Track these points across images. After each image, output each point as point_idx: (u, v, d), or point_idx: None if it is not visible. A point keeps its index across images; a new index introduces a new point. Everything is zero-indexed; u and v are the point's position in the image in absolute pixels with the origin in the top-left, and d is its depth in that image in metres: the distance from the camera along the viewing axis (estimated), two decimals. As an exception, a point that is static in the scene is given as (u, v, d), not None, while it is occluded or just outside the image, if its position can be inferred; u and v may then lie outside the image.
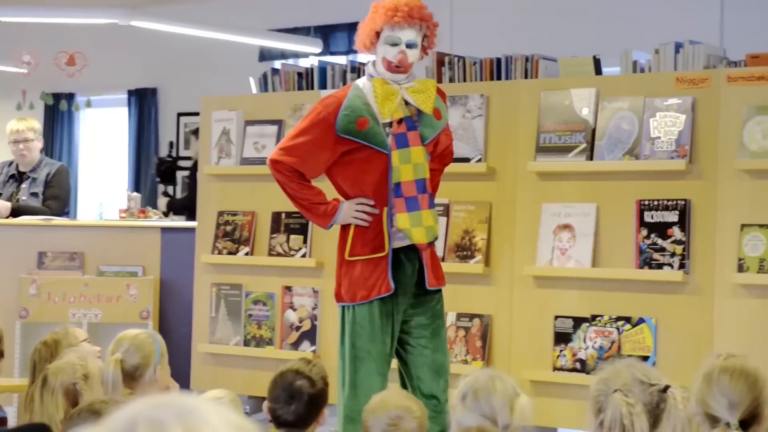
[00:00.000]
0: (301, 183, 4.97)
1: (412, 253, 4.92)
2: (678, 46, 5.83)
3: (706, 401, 2.96)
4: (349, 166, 4.93)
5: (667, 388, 2.88)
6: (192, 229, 7.16)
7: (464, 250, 6.04)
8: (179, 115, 11.56)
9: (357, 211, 4.90)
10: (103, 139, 12.55)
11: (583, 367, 5.66)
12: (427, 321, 4.97)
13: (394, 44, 4.86)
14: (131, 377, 4.08)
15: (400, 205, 4.87)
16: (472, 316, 6.00)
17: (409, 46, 4.87)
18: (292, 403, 3.55)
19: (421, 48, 4.95)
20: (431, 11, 4.98)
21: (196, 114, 7.32)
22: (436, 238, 4.97)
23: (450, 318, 6.08)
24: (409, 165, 4.86)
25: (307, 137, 4.91)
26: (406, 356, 4.98)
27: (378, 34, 4.89)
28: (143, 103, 11.81)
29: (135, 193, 8.68)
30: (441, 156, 5.14)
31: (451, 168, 6.09)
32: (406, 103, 4.91)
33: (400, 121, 4.88)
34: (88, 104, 10.57)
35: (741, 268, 5.36)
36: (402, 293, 4.91)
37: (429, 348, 4.96)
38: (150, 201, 11.20)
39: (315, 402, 3.57)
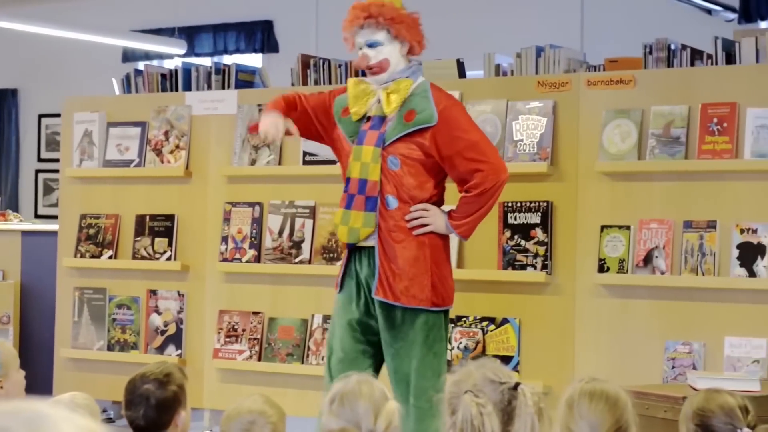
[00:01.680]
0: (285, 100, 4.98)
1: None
2: (539, 50, 5.92)
3: (568, 426, 2.99)
4: (337, 149, 4.97)
5: (517, 385, 2.92)
6: (54, 233, 7.05)
7: (331, 252, 6.05)
8: (41, 116, 11.36)
9: (268, 126, 4.88)
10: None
11: (448, 367, 5.71)
12: (389, 338, 4.78)
13: (360, 48, 4.85)
14: None
15: (342, 200, 4.87)
16: (338, 318, 6.01)
17: (371, 45, 4.82)
18: (141, 407, 3.52)
19: (402, 43, 4.84)
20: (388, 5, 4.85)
21: (58, 115, 7.20)
22: (357, 242, 4.79)
23: (317, 320, 6.08)
24: (357, 162, 4.81)
25: (312, 96, 5.04)
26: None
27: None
28: (3, 104, 11.57)
29: (-5, 196, 8.51)
30: (464, 181, 4.78)
31: (317, 170, 6.12)
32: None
33: (368, 119, 4.85)
34: (-54, 105, 10.32)
35: (601, 269, 5.46)
36: (360, 296, 4.83)
37: (391, 367, 4.79)
38: (11, 204, 10.99)
39: (165, 405, 3.53)
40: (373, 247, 4.79)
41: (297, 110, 5.00)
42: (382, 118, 4.82)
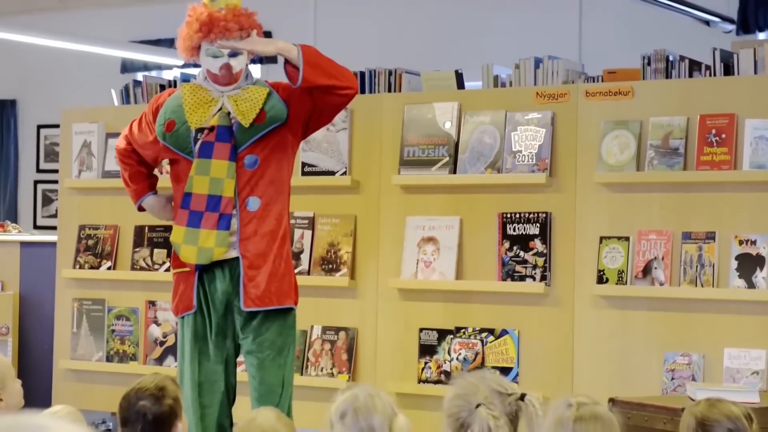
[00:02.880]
0: (131, 162, 4.94)
1: (234, 267, 4.66)
2: (538, 62, 5.93)
3: None
4: (172, 171, 4.82)
5: (523, 396, 2.91)
6: (53, 244, 7.05)
7: (330, 263, 6.05)
8: (39, 127, 11.35)
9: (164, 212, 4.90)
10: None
11: (448, 378, 5.71)
12: (253, 347, 4.69)
13: (216, 56, 4.68)
14: None
15: (182, 216, 4.66)
16: (337, 330, 6.02)
17: (233, 55, 4.69)
18: (138, 424, 3.49)
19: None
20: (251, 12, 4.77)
21: (57, 126, 7.20)
22: (210, 262, 4.63)
23: (316, 331, 6.08)
24: (205, 177, 4.62)
25: (137, 131, 4.89)
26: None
27: (198, 47, 4.73)
28: (2, 114, 11.56)
29: (-7, 207, 8.50)
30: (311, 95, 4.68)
31: (316, 181, 6.12)
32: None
33: (212, 129, 4.65)
34: (-56, 116, 10.31)
35: (600, 280, 5.46)
36: (215, 310, 4.69)
37: (255, 378, 4.71)
38: (10, 215, 10.98)
39: (161, 420, 3.51)
40: (232, 259, 4.63)
41: (142, 164, 4.93)
42: (229, 129, 4.65)
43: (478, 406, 2.84)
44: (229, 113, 4.67)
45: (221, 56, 4.68)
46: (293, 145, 4.78)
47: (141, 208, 5.04)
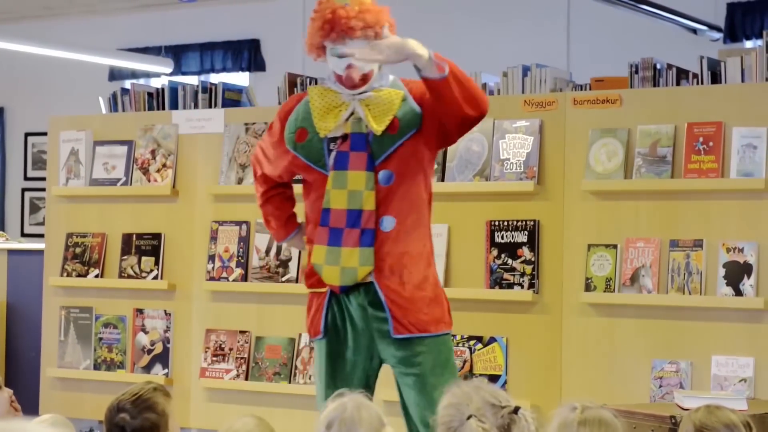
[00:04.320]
0: (268, 194, 4.53)
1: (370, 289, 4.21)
2: (526, 70, 5.94)
3: None
4: (304, 184, 4.38)
5: (517, 409, 2.90)
6: (40, 252, 7.03)
7: (317, 271, 6.04)
8: (27, 135, 11.33)
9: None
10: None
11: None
12: (407, 371, 4.24)
13: (341, 56, 4.19)
14: None
15: (322, 235, 4.23)
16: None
17: None
18: None
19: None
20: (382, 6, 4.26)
21: (45, 134, 7.19)
22: (354, 283, 4.19)
23: (304, 339, 6.07)
24: (342, 191, 4.19)
25: (267, 148, 4.48)
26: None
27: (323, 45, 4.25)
28: (-11, 122, 11.54)
29: (-20, 215, 8.49)
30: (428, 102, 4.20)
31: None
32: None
33: (345, 138, 4.20)
34: (-68, 123, 10.29)
35: (588, 288, 5.47)
36: (354, 331, 4.26)
37: (410, 397, 4.27)
38: (-4, 222, 10.96)
39: None
40: (368, 283, 4.21)
41: (285, 188, 4.56)
42: (364, 136, 4.21)
43: (469, 417, 2.83)
44: (361, 119, 4.22)
45: (345, 56, 4.19)
46: (429, 159, 4.30)
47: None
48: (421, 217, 4.28)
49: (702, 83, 5.57)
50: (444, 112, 4.14)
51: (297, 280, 6.09)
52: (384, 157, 4.20)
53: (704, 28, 8.23)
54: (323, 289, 4.27)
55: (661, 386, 5.28)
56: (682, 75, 5.67)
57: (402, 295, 4.19)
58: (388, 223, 4.19)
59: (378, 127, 4.17)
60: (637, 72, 5.70)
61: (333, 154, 4.22)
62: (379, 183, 4.20)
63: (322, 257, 4.23)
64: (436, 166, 5.77)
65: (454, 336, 5.72)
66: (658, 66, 5.68)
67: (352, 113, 4.22)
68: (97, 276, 6.63)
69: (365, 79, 4.21)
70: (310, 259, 4.29)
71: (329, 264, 4.20)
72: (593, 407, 2.95)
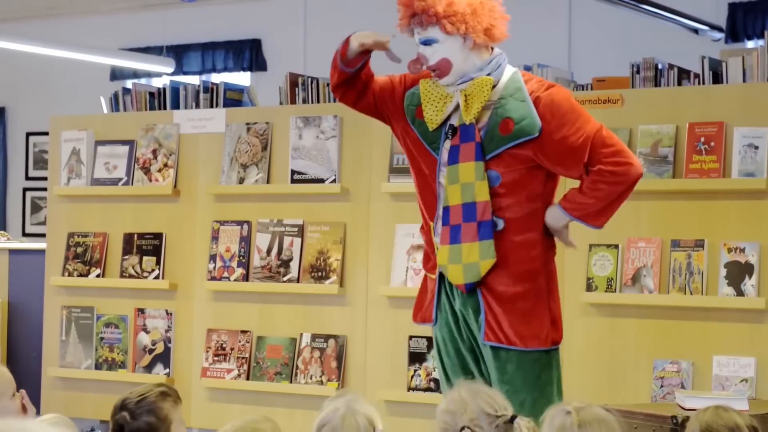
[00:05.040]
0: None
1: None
2: (527, 69, 5.93)
3: None
4: (408, 149, 4.20)
5: (513, 418, 2.89)
6: (41, 251, 7.04)
7: (319, 271, 6.05)
8: (28, 134, 11.34)
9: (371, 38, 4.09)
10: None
11: (437, 386, 5.71)
12: (496, 380, 4.03)
13: (420, 44, 4.05)
14: None
15: (444, 235, 4.05)
16: (327, 337, 6.01)
17: (427, 43, 4.03)
18: None
19: (465, 36, 4.01)
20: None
21: (46, 134, 7.19)
22: (479, 281, 4.02)
23: (305, 339, 6.08)
24: (456, 186, 4.02)
25: (382, 79, 4.26)
26: None
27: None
28: (-9, 122, 11.55)
29: (-18, 215, 8.49)
30: (567, 166, 4.04)
31: (305, 189, 6.12)
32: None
33: (455, 131, 4.04)
34: (-67, 123, 10.29)
35: (589, 287, 5.47)
36: (459, 331, 4.12)
37: None
38: (-2, 222, 10.96)
39: None
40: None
41: (363, 81, 4.24)
42: (473, 126, 4.01)
43: (462, 429, 2.82)
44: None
45: (418, 46, 4.04)
46: (544, 180, 4.08)
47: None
48: (536, 220, 4.09)
49: (703, 83, 5.57)
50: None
51: (298, 280, 6.10)
52: (493, 155, 4.01)
53: (706, 28, 8.23)
54: (433, 275, 4.15)
55: (662, 386, 5.28)
56: (683, 75, 5.67)
57: (501, 302, 4.02)
58: (498, 223, 4.02)
59: (466, 117, 4.00)
60: (638, 72, 5.69)
61: (447, 147, 4.05)
62: (490, 184, 4.02)
63: (446, 258, 4.05)
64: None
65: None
66: (660, 66, 5.68)
67: (457, 105, 4.06)
68: (98, 276, 6.64)
69: (443, 71, 4.02)
70: (438, 259, 4.10)
71: (453, 263, 4.03)
72: (585, 406, 2.94)
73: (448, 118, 4.09)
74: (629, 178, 4.01)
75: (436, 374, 5.72)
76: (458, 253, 4.01)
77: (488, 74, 4.04)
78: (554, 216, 4.07)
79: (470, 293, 4.05)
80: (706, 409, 3.41)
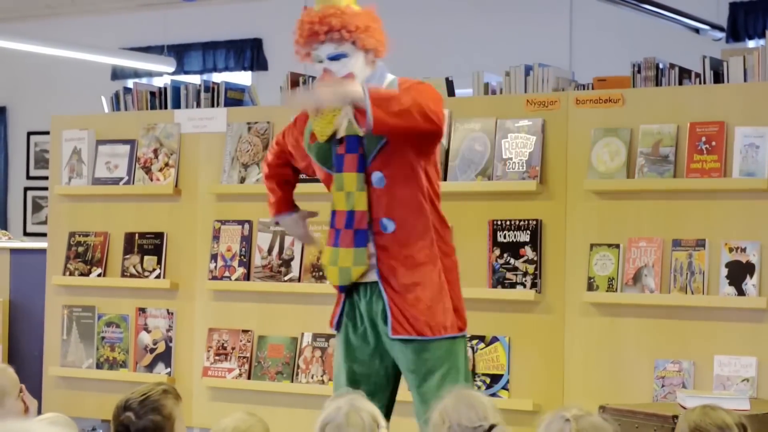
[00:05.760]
0: (278, 170, 4.67)
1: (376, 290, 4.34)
2: (528, 69, 5.94)
3: None
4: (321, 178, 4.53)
5: (492, 427, 2.91)
6: (43, 251, 7.04)
7: (320, 270, 6.04)
8: (29, 134, 11.35)
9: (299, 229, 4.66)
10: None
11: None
12: (410, 375, 4.34)
13: (319, 61, 4.36)
14: None
15: (330, 236, 4.38)
16: (328, 337, 6.01)
17: (337, 58, 4.32)
18: None
19: (366, 51, 4.33)
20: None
21: (47, 133, 7.19)
22: (351, 283, 4.33)
23: (306, 338, 6.08)
24: (341, 193, 4.33)
25: (288, 136, 4.64)
26: None
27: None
28: (-8, 121, 11.55)
29: (-17, 214, 8.49)
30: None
31: (309, 188, 6.10)
32: None
33: (341, 141, 4.32)
34: (-66, 122, 10.29)
35: (591, 287, 5.47)
36: (364, 335, 4.39)
37: (416, 402, 4.35)
38: (-1, 221, 10.97)
39: None
40: (375, 282, 4.32)
41: (291, 172, 4.68)
42: (358, 138, 4.31)
43: None
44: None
45: (322, 61, 4.34)
46: (419, 162, 4.34)
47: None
48: (424, 220, 4.36)
49: (704, 83, 5.57)
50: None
51: (300, 279, 6.10)
52: (373, 156, 4.30)
53: (707, 27, 8.24)
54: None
55: (663, 386, 5.28)
56: (684, 74, 5.67)
57: (402, 298, 4.28)
58: (389, 223, 4.30)
59: (360, 129, 4.24)
60: (639, 71, 5.69)
61: (335, 157, 4.36)
62: (373, 185, 4.31)
63: (327, 258, 4.40)
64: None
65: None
66: (661, 65, 5.68)
67: (346, 117, 4.27)
68: (99, 275, 6.64)
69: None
70: (322, 257, 4.53)
71: (332, 264, 4.36)
72: (584, 415, 2.94)
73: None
74: (426, 127, 4.20)
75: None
76: (336, 256, 4.33)
77: (374, 83, 4.28)
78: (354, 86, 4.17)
79: (373, 293, 4.32)
80: (693, 408, 3.41)
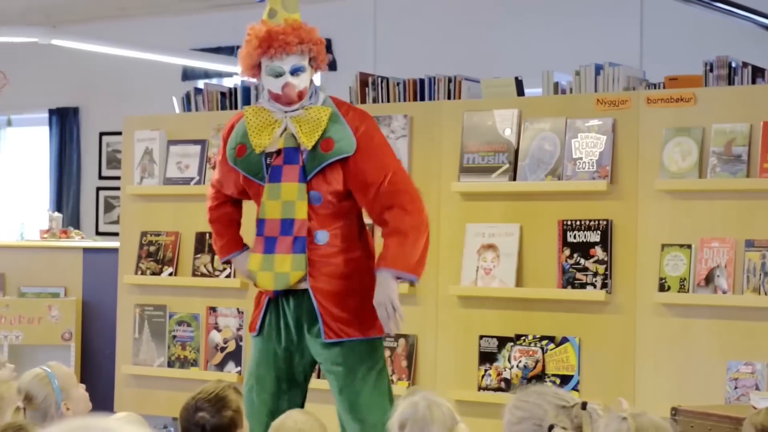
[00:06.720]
0: (220, 211, 4.85)
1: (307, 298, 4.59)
2: (598, 68, 5.90)
3: None
4: (254, 199, 4.71)
5: (585, 404, 2.90)
6: (115, 250, 7.11)
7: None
8: (101, 134, 11.46)
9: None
10: (24, 159, 12.40)
11: (508, 386, 5.70)
12: (336, 376, 4.62)
13: (277, 75, 4.54)
14: (42, 417, 4.00)
15: (257, 244, 4.58)
16: (397, 336, 6.02)
17: (295, 72, 4.55)
18: None
19: (314, 67, 4.63)
20: (315, 28, 4.68)
21: (119, 133, 7.27)
22: (287, 288, 4.55)
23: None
24: (276, 201, 4.53)
25: (218, 164, 4.84)
26: None
27: (259, 65, 4.59)
28: (65, 122, 11.69)
29: (56, 213, 8.61)
30: (365, 194, 4.53)
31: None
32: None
33: (279, 153, 4.54)
34: (9, 123, 10.45)
35: (662, 288, 5.43)
36: (288, 338, 4.63)
37: (339, 400, 4.64)
38: (72, 221, 11.10)
39: (220, 431, 3.52)
40: (304, 291, 4.55)
41: (232, 209, 4.84)
42: (296, 150, 4.54)
43: (551, 428, 2.83)
44: (293, 135, 4.55)
45: (282, 74, 4.53)
46: (351, 196, 4.62)
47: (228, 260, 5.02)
48: (355, 230, 4.62)
49: (778, 81, 5.51)
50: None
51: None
52: (315, 172, 4.51)
53: (780, 25, 8.13)
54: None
55: (736, 387, 5.23)
56: (757, 73, 5.61)
57: (333, 303, 4.53)
58: (322, 236, 4.54)
59: (308, 142, 4.49)
60: (711, 70, 5.64)
61: (268, 168, 4.55)
62: (311, 201, 4.52)
63: (257, 264, 4.56)
64: (507, 165, 5.77)
65: (525, 336, 5.71)
66: (733, 64, 5.62)
67: (285, 129, 4.55)
68: (170, 274, 6.70)
69: (300, 96, 4.55)
70: (249, 264, 4.64)
71: (263, 270, 4.54)
72: (641, 413, 2.92)
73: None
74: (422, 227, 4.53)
75: (506, 374, 5.71)
76: (271, 262, 4.51)
77: (311, 103, 4.57)
78: (382, 288, 4.49)
79: (303, 299, 4.54)
80: (758, 411, 3.38)
